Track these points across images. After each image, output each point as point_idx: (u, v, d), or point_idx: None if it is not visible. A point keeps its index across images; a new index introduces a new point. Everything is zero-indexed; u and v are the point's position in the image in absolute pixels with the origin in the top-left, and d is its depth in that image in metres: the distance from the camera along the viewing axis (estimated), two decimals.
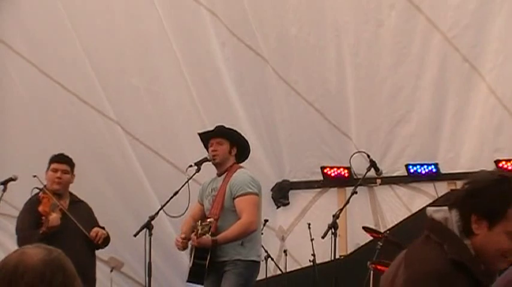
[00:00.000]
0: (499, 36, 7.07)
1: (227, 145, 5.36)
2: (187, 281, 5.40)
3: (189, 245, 5.37)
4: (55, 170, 5.43)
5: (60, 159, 5.49)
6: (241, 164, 5.48)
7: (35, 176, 5.33)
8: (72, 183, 5.54)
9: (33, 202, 5.35)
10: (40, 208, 5.24)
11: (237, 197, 5.18)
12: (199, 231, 5.02)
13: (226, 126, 5.55)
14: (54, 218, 5.17)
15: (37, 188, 5.40)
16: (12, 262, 1.81)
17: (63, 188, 5.47)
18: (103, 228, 5.54)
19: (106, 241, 5.53)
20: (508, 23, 7.02)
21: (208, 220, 5.06)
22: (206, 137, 5.49)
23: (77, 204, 5.52)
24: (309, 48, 7.61)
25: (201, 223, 5.19)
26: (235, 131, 5.54)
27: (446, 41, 7.18)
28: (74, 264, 1.90)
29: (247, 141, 5.57)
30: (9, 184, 5.53)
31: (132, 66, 7.50)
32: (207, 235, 4.99)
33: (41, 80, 7.09)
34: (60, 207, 5.29)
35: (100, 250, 6.70)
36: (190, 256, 5.34)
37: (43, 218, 5.17)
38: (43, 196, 5.33)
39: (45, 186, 5.42)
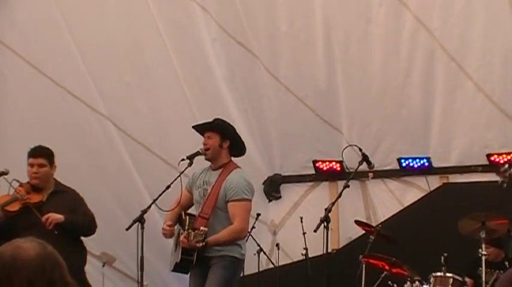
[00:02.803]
0: (485, 34, 7.12)
1: (217, 138, 5.28)
2: (172, 270, 5.43)
3: (175, 233, 5.37)
4: (31, 165, 5.38)
5: (35, 153, 5.42)
6: (235, 160, 5.42)
7: None
8: (54, 172, 5.46)
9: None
10: None
11: (232, 201, 5.17)
12: (192, 238, 4.94)
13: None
14: None
15: (16, 180, 5.39)
16: (8, 255, 1.80)
17: (43, 182, 5.40)
18: (92, 216, 5.44)
19: (64, 225, 5.22)
20: (494, 20, 7.08)
21: (202, 228, 4.96)
22: (200, 131, 5.45)
23: (58, 194, 5.43)
24: (299, 45, 7.64)
25: (190, 223, 5.18)
26: (227, 123, 5.45)
27: (434, 39, 7.24)
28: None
29: (238, 135, 5.49)
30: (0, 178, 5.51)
31: (124, 62, 7.49)
32: (200, 244, 4.90)
33: (33, 75, 7.06)
34: (25, 202, 5.26)
35: (92, 246, 6.73)
36: (176, 246, 5.35)
37: None
38: (18, 189, 5.33)
39: (20, 184, 5.39)
